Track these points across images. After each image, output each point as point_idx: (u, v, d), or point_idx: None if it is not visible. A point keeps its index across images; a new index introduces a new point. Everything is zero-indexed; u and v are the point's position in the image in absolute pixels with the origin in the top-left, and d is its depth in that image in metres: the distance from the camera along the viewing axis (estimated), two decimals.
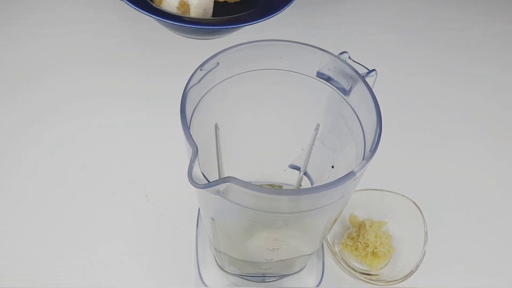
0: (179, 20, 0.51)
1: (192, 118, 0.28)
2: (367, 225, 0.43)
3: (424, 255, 0.41)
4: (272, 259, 0.34)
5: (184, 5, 0.52)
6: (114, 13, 0.69)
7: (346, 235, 0.45)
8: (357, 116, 0.29)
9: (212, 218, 0.30)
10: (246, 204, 0.25)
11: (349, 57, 0.30)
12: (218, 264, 0.40)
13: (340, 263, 0.42)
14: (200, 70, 0.28)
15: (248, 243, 0.32)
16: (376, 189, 0.45)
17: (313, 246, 0.35)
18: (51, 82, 0.59)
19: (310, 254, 0.36)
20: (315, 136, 0.36)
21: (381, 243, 0.42)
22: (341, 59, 0.29)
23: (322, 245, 0.43)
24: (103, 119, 0.55)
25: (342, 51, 0.30)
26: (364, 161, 0.24)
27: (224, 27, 0.53)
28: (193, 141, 0.24)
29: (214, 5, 0.58)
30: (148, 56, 0.63)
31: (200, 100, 0.29)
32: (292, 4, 0.53)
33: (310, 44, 0.29)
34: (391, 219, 0.45)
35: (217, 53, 0.28)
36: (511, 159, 0.54)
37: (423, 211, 0.43)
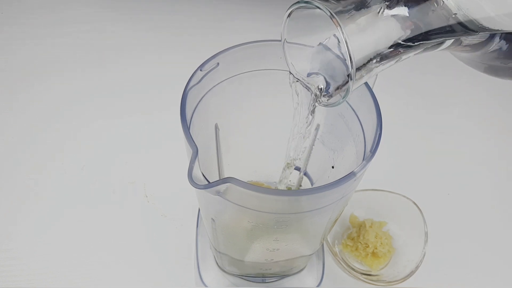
0: None
1: (192, 119, 0.28)
2: (368, 226, 0.43)
3: (424, 256, 0.41)
4: (272, 259, 0.34)
5: None
6: (114, 13, 0.69)
7: (347, 235, 0.45)
8: (357, 116, 0.29)
9: (212, 219, 0.30)
10: (246, 205, 0.25)
11: None
12: (218, 265, 0.40)
13: (341, 264, 0.42)
14: (200, 70, 0.28)
15: (248, 244, 0.32)
16: (376, 190, 0.45)
17: (313, 246, 0.35)
18: (51, 82, 0.59)
19: (310, 255, 0.36)
20: (315, 136, 0.36)
21: (382, 243, 0.42)
22: None
23: (322, 245, 0.43)
24: (103, 119, 0.55)
25: None
26: (364, 162, 0.24)
27: None
28: (193, 141, 0.24)
29: None
30: (148, 56, 0.63)
31: (200, 100, 0.29)
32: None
33: (310, 44, 0.29)
34: (392, 219, 0.45)
35: (217, 53, 0.28)
36: (511, 159, 0.54)
37: (423, 211, 0.43)
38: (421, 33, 0.21)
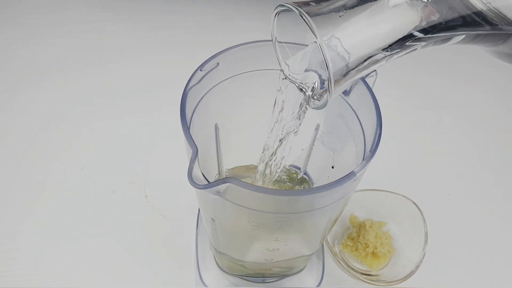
0: None
1: (192, 119, 0.28)
2: (368, 226, 0.43)
3: (424, 256, 0.41)
4: (272, 259, 0.34)
5: None
6: (114, 13, 0.69)
7: (346, 235, 0.45)
8: (357, 116, 0.29)
9: (212, 219, 0.30)
10: (246, 205, 0.25)
11: None
12: (218, 265, 0.40)
13: (340, 264, 0.42)
14: (200, 70, 0.28)
15: (248, 244, 0.32)
16: (376, 190, 0.45)
17: (313, 246, 0.35)
18: (51, 82, 0.59)
19: (310, 255, 0.36)
20: (315, 136, 0.36)
21: (381, 243, 0.42)
22: None
23: (322, 245, 0.43)
24: (103, 119, 0.55)
25: None
26: (364, 162, 0.24)
27: None
28: (193, 141, 0.24)
29: None
30: (148, 56, 0.63)
31: (200, 100, 0.29)
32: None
33: (307, 41, 0.29)
34: (392, 219, 0.45)
35: (217, 53, 0.28)
36: (511, 159, 0.54)
37: (423, 211, 0.43)
38: (438, 23, 0.20)
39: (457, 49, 0.67)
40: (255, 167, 0.34)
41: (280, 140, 0.29)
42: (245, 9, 0.70)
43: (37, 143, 0.52)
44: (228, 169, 0.39)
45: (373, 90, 0.28)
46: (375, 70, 0.29)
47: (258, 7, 0.69)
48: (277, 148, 0.29)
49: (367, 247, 0.42)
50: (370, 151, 0.25)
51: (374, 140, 0.26)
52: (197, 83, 0.28)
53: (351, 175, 0.24)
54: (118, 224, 0.45)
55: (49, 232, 0.45)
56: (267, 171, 0.31)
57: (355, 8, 0.20)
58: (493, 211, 0.49)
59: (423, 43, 0.21)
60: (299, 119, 0.27)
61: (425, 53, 0.22)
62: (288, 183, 0.40)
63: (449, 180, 0.52)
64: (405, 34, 0.20)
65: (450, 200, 0.50)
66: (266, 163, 0.31)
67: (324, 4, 0.20)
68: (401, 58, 0.22)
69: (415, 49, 0.21)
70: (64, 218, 0.46)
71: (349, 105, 0.30)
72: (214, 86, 0.30)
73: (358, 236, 0.43)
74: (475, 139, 0.56)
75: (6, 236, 0.44)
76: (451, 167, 0.53)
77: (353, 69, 0.21)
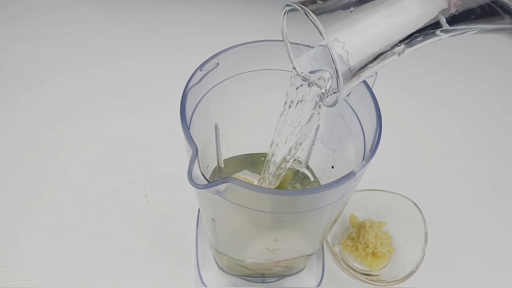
0: None
1: (192, 119, 0.28)
2: (367, 226, 0.43)
3: (424, 256, 0.41)
4: (272, 259, 0.34)
5: None
6: (114, 13, 0.69)
7: (346, 235, 0.45)
8: (357, 116, 0.29)
9: (212, 219, 0.30)
10: (246, 204, 0.25)
11: None
12: (218, 265, 0.40)
13: (340, 264, 0.42)
14: (200, 70, 0.28)
15: (248, 244, 0.32)
16: (376, 190, 0.45)
17: (313, 246, 0.35)
18: (51, 82, 0.59)
19: (310, 255, 0.36)
20: (315, 136, 0.36)
21: (381, 243, 0.42)
22: None
23: (322, 245, 0.43)
24: (103, 119, 0.55)
25: None
26: (364, 161, 0.24)
27: None
28: (193, 141, 0.24)
29: None
30: (148, 56, 0.63)
31: (200, 100, 0.29)
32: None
33: (310, 45, 0.29)
34: (391, 219, 0.45)
35: (217, 53, 0.28)
36: (511, 159, 0.54)
37: (423, 211, 0.43)
38: (463, 14, 0.19)
39: (458, 48, 0.67)
40: (252, 156, 0.34)
41: (295, 143, 0.28)
42: (245, 9, 0.70)
43: (37, 143, 0.52)
44: (226, 159, 0.38)
45: (373, 90, 0.28)
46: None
47: (258, 7, 0.69)
48: (291, 150, 0.29)
49: (367, 247, 0.42)
50: (370, 151, 0.25)
51: (374, 140, 0.26)
52: (197, 83, 0.28)
53: (351, 175, 0.24)
54: (118, 224, 0.45)
55: (49, 232, 0.45)
56: (277, 171, 0.31)
57: (368, 2, 0.19)
58: (493, 211, 0.49)
59: (443, 35, 0.20)
60: (318, 117, 0.26)
61: (425, 52, 0.22)
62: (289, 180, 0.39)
63: (449, 180, 0.52)
64: (423, 25, 0.19)
65: (450, 200, 0.50)
66: (276, 164, 0.30)
67: (331, 1, 0.19)
68: (401, 57, 0.22)
69: (439, 39, 0.20)
70: (64, 218, 0.46)
71: (349, 105, 0.30)
72: (214, 86, 0.30)
73: (358, 236, 0.43)
74: (475, 139, 0.56)
75: (6, 236, 0.44)
76: (452, 167, 0.53)
77: (365, 65, 0.20)
